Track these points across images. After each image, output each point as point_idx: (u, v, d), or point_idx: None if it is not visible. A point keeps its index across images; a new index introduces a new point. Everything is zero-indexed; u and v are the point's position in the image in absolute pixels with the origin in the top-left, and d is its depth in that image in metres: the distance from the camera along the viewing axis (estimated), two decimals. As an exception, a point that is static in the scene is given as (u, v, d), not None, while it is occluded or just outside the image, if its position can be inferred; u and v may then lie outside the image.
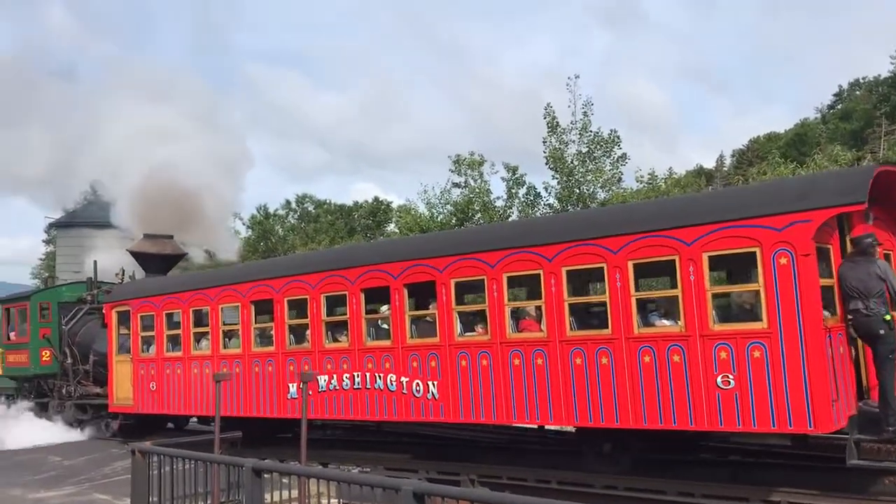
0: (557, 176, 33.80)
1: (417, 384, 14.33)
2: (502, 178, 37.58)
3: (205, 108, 28.32)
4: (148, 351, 19.34)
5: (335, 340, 15.83)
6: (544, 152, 33.92)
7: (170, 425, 22.10)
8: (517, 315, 13.42)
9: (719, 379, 11.05)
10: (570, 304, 12.60)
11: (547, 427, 16.13)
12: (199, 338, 18.27)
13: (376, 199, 78.30)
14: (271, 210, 74.13)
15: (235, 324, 17.60)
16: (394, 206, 70.07)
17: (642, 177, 36.27)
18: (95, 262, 24.55)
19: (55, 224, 55.42)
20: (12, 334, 24.94)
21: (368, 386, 15.04)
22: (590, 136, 33.37)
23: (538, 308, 13.05)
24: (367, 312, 15.35)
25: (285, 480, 8.94)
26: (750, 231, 10.90)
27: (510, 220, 35.51)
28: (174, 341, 18.78)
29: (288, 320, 16.47)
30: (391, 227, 66.41)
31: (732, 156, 73.16)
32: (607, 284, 12.12)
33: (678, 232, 11.53)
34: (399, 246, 15.96)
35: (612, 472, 12.91)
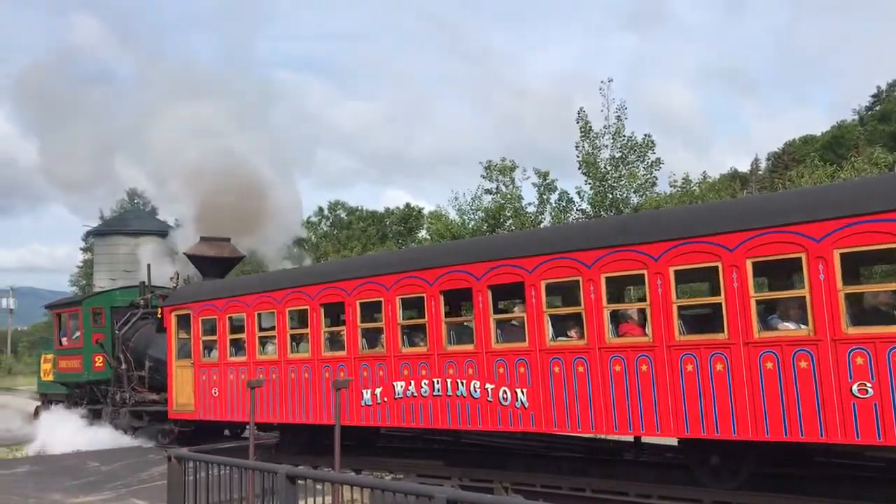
0: (590, 181, 33.03)
1: (504, 392, 13.34)
2: (533, 184, 36.99)
3: (254, 111, 27.23)
4: (209, 356, 18.45)
5: (412, 345, 14.86)
6: (577, 157, 33.26)
7: (226, 432, 21.24)
8: (617, 318, 12.40)
9: (854, 387, 9.99)
10: (678, 307, 11.59)
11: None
12: (264, 342, 17.34)
13: (408, 205, 77.29)
14: (304, 217, 73.20)
15: (303, 328, 16.68)
16: (425, 212, 69.23)
17: (676, 181, 35.29)
18: (149, 265, 23.70)
19: (92, 232, 55.25)
20: (64, 339, 24.11)
21: (449, 393, 14.05)
22: (623, 140, 32.62)
23: (641, 311, 12.04)
24: (446, 315, 14.38)
25: (319, 487, 8.83)
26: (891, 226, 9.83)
27: (544, 224, 35.04)
28: (238, 346, 17.88)
29: (360, 324, 15.50)
30: (422, 233, 65.62)
31: (768, 159, 71.67)
32: (723, 285, 11.08)
33: (805, 227, 10.47)
34: (482, 245, 14.93)
35: (726, 487, 11.82)
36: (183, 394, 18.55)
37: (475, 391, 13.71)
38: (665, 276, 11.58)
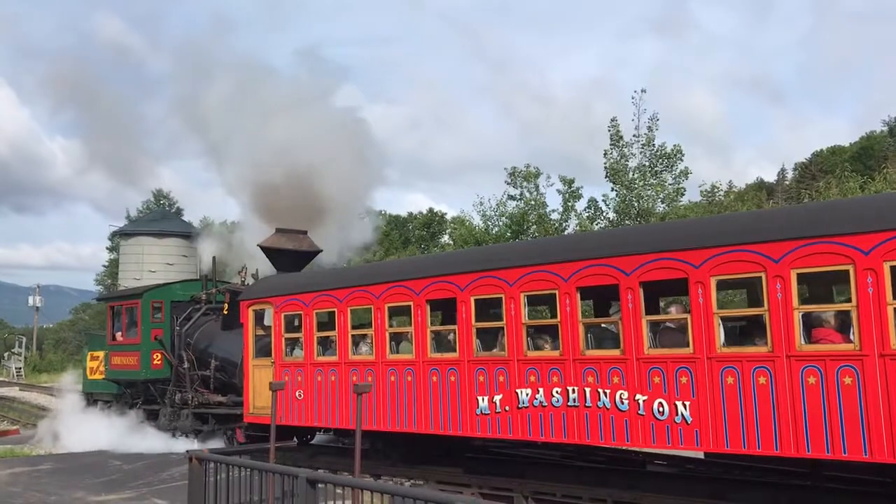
0: (616, 188, 32.01)
1: (660, 404, 11.21)
2: (558, 191, 35.96)
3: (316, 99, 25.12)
4: (292, 354, 16.34)
5: (537, 348, 12.76)
6: (605, 164, 32.23)
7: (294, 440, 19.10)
8: (809, 322, 10.28)
9: None
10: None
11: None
12: (357, 341, 15.24)
13: (431, 210, 75.43)
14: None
15: (404, 326, 14.59)
16: (447, 217, 67.78)
17: (707, 190, 34.42)
18: (214, 258, 21.58)
19: (118, 232, 54.39)
20: (118, 335, 21.93)
21: (589, 404, 11.93)
22: (653, 149, 31.60)
23: (844, 313, 9.94)
24: (584, 316, 12.30)
25: (339, 491, 8.64)
26: None
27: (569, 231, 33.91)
28: (326, 344, 15.78)
29: (475, 323, 13.39)
30: (445, 238, 63.99)
31: (795, 169, 69.64)
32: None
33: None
34: (636, 234, 12.78)
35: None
36: (261, 396, 16.41)
37: (622, 402, 11.59)
38: (880, 271, 9.51)
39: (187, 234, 53.89)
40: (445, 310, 14.65)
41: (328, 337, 15.66)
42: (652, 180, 31.60)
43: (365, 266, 19.96)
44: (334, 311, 15.43)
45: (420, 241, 70.40)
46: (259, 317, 16.86)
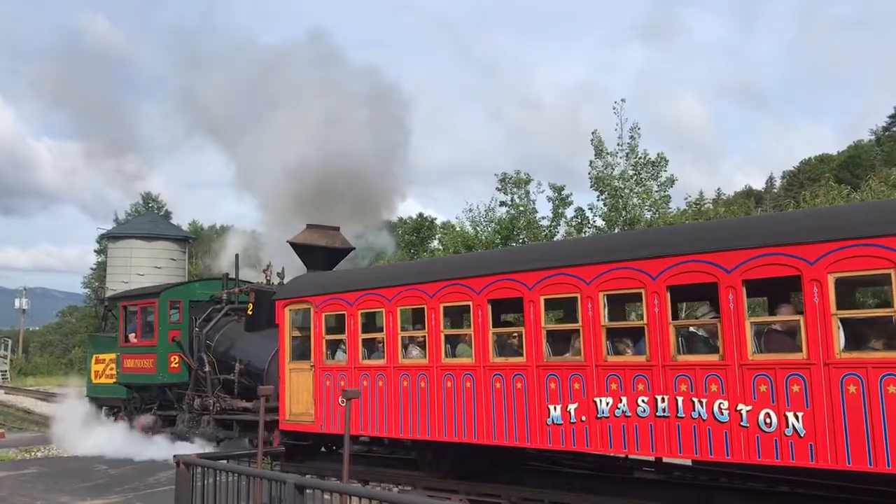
0: (603, 197, 32.00)
1: (767, 415, 9.94)
2: (548, 198, 35.60)
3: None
4: (334, 357, 14.93)
5: (618, 352, 11.46)
6: (589, 175, 32.35)
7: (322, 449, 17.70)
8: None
9: None
10: None
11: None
12: (407, 343, 13.87)
13: (420, 215, 74.13)
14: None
15: (462, 328, 13.29)
16: (437, 222, 66.87)
17: (693, 202, 34.67)
18: (237, 255, 20.06)
19: (106, 235, 53.15)
20: (132, 336, 20.35)
21: (681, 414, 10.63)
22: (636, 158, 31.65)
23: None
24: (674, 318, 11.01)
25: (327, 497, 8.58)
26: None
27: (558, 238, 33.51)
28: (372, 347, 14.41)
29: (545, 325, 12.07)
30: (435, 243, 63.00)
31: (783, 177, 69.01)
32: None
33: None
34: (736, 228, 11.42)
35: None
36: (299, 402, 14.98)
37: (721, 413, 10.30)
38: None
39: (176, 237, 52.53)
40: (515, 311, 13.33)
41: (375, 339, 14.28)
42: (637, 188, 31.52)
43: (417, 263, 18.62)
44: (382, 312, 14.04)
45: (409, 245, 69.17)
46: (296, 317, 15.43)
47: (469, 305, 12.93)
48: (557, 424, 11.81)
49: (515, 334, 12.63)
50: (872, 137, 67.71)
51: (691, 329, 11.19)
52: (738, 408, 10.16)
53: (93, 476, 16.91)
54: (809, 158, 67.66)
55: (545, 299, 12.07)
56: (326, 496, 8.45)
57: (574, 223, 34.81)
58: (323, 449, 17.52)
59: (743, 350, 10.17)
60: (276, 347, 17.16)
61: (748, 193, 67.77)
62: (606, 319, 11.51)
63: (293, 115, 21.32)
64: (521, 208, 36.25)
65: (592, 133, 32.16)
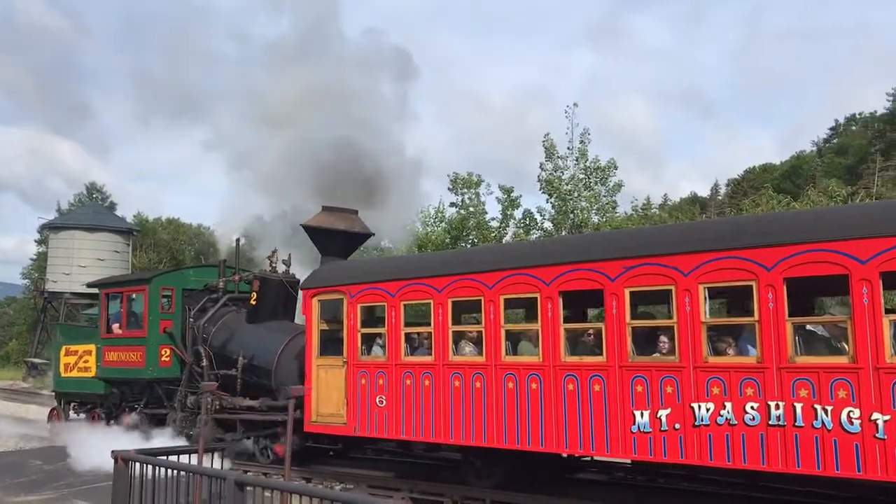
0: (552, 200, 32.25)
1: (911, 425, 8.52)
2: (497, 199, 35.64)
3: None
4: (371, 353, 13.13)
5: (718, 352, 9.94)
6: (539, 178, 32.57)
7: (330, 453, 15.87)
8: None
9: None
10: None
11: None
12: (458, 339, 12.14)
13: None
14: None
15: (527, 322, 11.65)
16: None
17: (637, 206, 35.75)
18: (238, 239, 17.98)
19: (48, 225, 50.71)
20: (115, 326, 18.09)
21: (800, 423, 9.14)
22: (587, 162, 32.05)
23: None
24: (793, 313, 9.52)
25: (267, 494, 8.31)
26: None
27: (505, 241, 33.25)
28: (416, 342, 12.68)
29: (630, 320, 10.48)
30: (385, 241, 61.34)
31: (727, 185, 68.96)
32: None
33: None
34: (870, 213, 9.97)
35: None
36: (329, 401, 13.12)
37: (850, 423, 8.85)
38: None
39: (120, 229, 50.09)
40: (593, 304, 11.76)
41: (419, 334, 12.53)
42: (585, 192, 31.67)
43: (472, 250, 16.83)
44: (430, 303, 12.27)
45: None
46: (325, 308, 13.56)
47: (536, 298, 11.26)
48: (645, 433, 10.23)
49: (592, 331, 11.03)
50: (814, 149, 68.17)
51: (808, 327, 9.74)
52: (873, 417, 8.71)
53: (26, 472, 16.18)
54: (754, 167, 67.72)
55: (630, 292, 10.49)
56: (267, 493, 8.19)
57: (522, 225, 34.76)
58: (331, 453, 15.70)
59: (881, 351, 8.73)
60: (284, 341, 15.35)
61: (693, 200, 67.51)
62: (707, 315, 9.98)
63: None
64: (472, 209, 35.89)
65: (544, 136, 32.15)
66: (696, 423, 9.84)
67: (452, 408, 11.90)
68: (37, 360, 46.73)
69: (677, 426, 9.98)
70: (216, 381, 16.09)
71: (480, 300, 11.77)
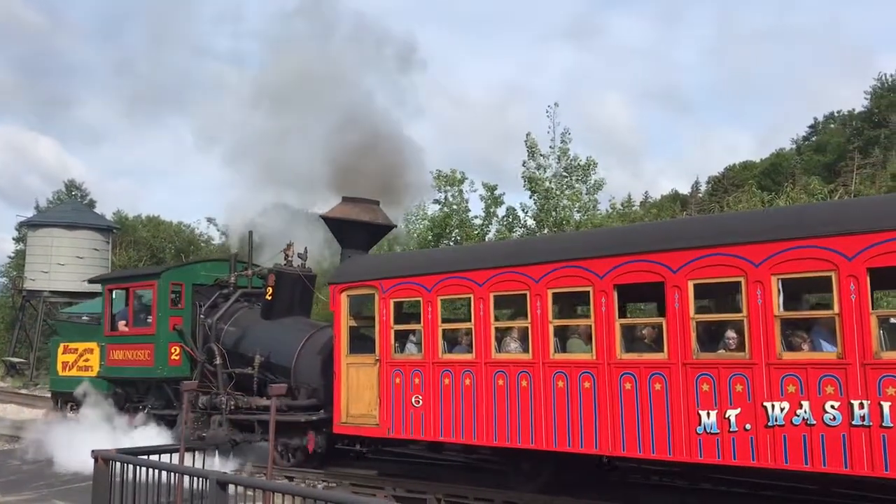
0: (535, 197, 31.49)
1: None
2: (480, 197, 34.29)
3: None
4: (405, 350, 12.30)
5: (792, 347, 9.23)
6: (523, 175, 31.83)
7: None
8: None
9: None
10: None
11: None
12: (502, 335, 11.35)
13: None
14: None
15: (579, 317, 10.89)
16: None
17: (621, 205, 35.63)
18: (251, 232, 17.03)
19: (26, 223, 49.48)
20: (121, 324, 17.07)
21: (887, 423, 8.45)
22: (568, 161, 31.39)
23: None
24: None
25: (250, 493, 7.83)
26: None
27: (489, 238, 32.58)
28: (455, 339, 11.86)
29: (694, 315, 9.74)
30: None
31: (708, 182, 68.68)
32: None
33: None
34: None
35: None
36: (360, 401, 12.26)
37: (945, 422, 8.19)
38: None
39: (100, 226, 48.94)
40: (650, 298, 11.05)
41: (458, 330, 11.73)
42: (567, 191, 31.21)
43: (516, 242, 16.02)
44: (470, 298, 11.45)
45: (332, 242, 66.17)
46: (355, 304, 12.72)
47: (589, 292, 10.49)
48: (712, 434, 9.50)
49: (650, 326, 10.30)
50: (793, 146, 68.12)
51: (893, 320, 9.07)
52: (970, 416, 8.06)
53: (5, 472, 15.82)
54: (734, 165, 67.56)
55: (695, 284, 9.75)
56: (249, 492, 7.92)
57: (505, 222, 33.95)
58: (351, 455, 14.84)
59: None
60: (304, 338, 14.52)
61: (674, 197, 67.19)
62: (781, 308, 9.26)
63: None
64: (455, 207, 34.71)
65: (527, 135, 31.79)
66: (770, 424, 9.12)
67: (496, 408, 11.11)
68: (15, 360, 45.31)
69: (748, 427, 9.26)
70: (230, 380, 15.24)
71: (526, 294, 10.97)
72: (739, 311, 9.50)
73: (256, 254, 17.41)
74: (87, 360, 18.15)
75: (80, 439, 16.31)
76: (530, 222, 32.81)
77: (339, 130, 16.33)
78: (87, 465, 14.45)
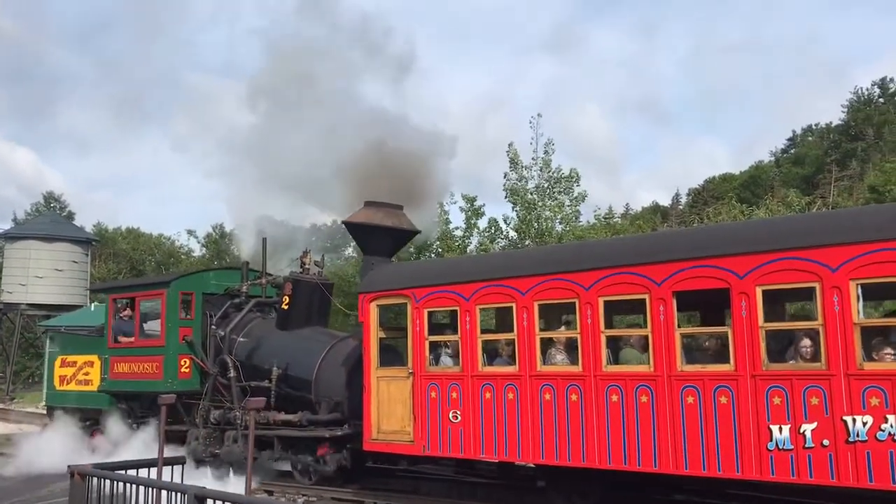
0: (517, 209, 31.39)
1: None
2: (461, 209, 33.98)
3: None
4: (440, 363, 11.46)
5: (870, 357, 8.55)
6: (504, 186, 31.73)
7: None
8: None
9: None
10: None
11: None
12: (547, 347, 10.57)
13: (335, 221, 69.98)
14: (227, 229, 64.87)
15: (639, 326, 10.16)
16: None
17: (601, 216, 35.24)
18: (265, 239, 16.14)
19: (4, 235, 48.29)
20: (122, 337, 16.07)
21: None
22: (550, 172, 31.27)
23: None
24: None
25: None
26: None
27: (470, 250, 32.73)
28: (495, 351, 11.05)
29: (763, 323, 9.03)
30: (349, 251, 59.81)
31: (688, 194, 68.54)
32: None
33: None
34: None
35: None
36: (392, 416, 11.42)
37: None
38: None
39: (79, 238, 47.72)
40: (714, 307, 10.31)
41: (499, 341, 10.94)
42: (549, 202, 31.03)
43: (562, 247, 15.17)
44: (512, 307, 10.66)
45: (325, 251, 65.10)
46: (385, 313, 11.89)
47: (645, 300, 9.75)
48: (785, 450, 8.78)
49: (714, 336, 9.59)
50: (772, 159, 68.24)
51: None
52: None
53: None
54: (713, 177, 67.51)
55: (763, 291, 9.05)
56: None
57: (488, 234, 33.68)
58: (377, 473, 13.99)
59: None
60: (324, 349, 13.67)
61: (655, 209, 66.98)
62: (861, 315, 8.59)
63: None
64: (436, 219, 33.26)
65: (509, 146, 31.57)
66: (851, 439, 8.42)
67: (543, 423, 10.32)
68: (-8, 374, 44.02)
69: (826, 443, 8.56)
70: (245, 394, 14.33)
71: (575, 303, 10.21)
72: (814, 318, 8.82)
73: (256, 263, 16.61)
74: (87, 374, 17.12)
75: (59, 452, 15.68)
76: (512, 234, 32.56)
77: (334, 131, 15.64)
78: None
